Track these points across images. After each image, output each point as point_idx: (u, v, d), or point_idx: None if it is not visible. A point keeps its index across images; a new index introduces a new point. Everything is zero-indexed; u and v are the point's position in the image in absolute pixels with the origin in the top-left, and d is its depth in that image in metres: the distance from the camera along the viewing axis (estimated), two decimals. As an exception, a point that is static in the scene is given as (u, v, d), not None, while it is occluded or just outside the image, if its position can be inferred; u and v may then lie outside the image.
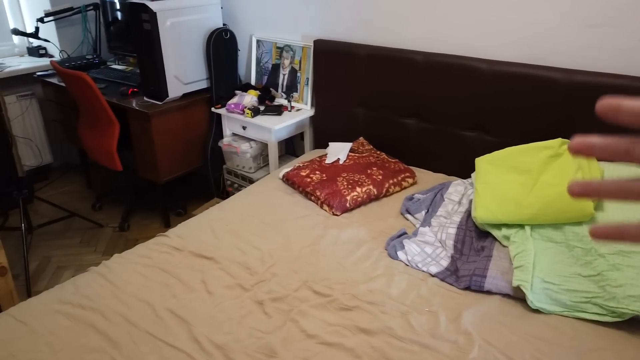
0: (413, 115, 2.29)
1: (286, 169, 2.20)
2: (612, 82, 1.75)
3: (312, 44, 2.52)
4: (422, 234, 1.74)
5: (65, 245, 2.70)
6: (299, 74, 2.67)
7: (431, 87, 2.17)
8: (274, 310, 1.40)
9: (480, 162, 1.82)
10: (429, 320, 1.37)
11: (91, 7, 3.22)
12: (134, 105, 2.57)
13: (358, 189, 1.98)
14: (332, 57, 2.45)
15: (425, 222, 1.81)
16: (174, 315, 1.37)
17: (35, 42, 3.31)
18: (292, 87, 2.72)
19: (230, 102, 2.63)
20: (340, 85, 2.47)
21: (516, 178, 1.66)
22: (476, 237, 1.68)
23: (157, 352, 1.25)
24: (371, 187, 2.01)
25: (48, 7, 3.14)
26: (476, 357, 1.23)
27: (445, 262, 1.60)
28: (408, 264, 1.61)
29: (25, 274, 2.35)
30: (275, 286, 1.50)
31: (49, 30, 3.24)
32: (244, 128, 2.63)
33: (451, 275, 1.54)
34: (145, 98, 2.66)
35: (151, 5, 2.39)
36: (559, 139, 1.66)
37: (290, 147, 2.94)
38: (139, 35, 2.51)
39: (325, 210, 1.94)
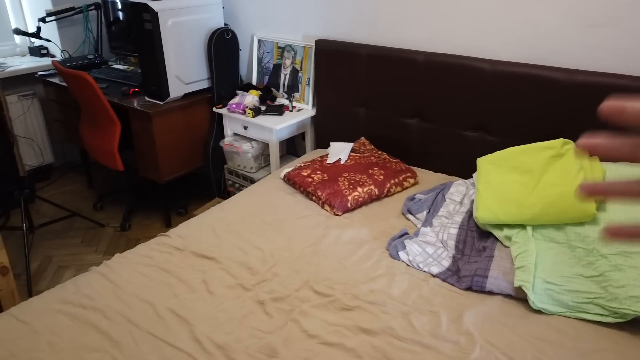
0: (414, 115, 2.29)
1: (287, 169, 2.20)
2: (614, 82, 1.75)
3: (314, 44, 2.52)
4: (424, 234, 1.74)
5: (66, 245, 2.70)
6: (300, 74, 2.67)
7: (433, 87, 2.17)
8: (275, 310, 1.40)
9: (482, 162, 1.81)
10: (430, 320, 1.36)
11: (92, 7, 3.23)
12: (135, 105, 2.57)
13: (359, 189, 1.98)
14: (333, 57, 2.45)
15: (427, 222, 1.81)
16: (175, 315, 1.37)
17: (36, 42, 3.31)
18: (293, 87, 2.72)
19: (231, 102, 2.63)
20: (341, 85, 2.47)
21: (518, 178, 1.66)
22: (478, 237, 1.68)
23: (158, 352, 1.25)
24: (372, 187, 2.01)
25: (50, 7, 3.14)
26: (477, 358, 1.23)
27: (446, 263, 1.60)
28: (409, 264, 1.61)
29: (27, 274, 2.36)
30: (276, 286, 1.50)
31: (50, 30, 3.25)
32: (245, 128, 2.63)
33: (452, 275, 1.54)
34: (146, 98, 2.66)
35: (153, 5, 2.39)
36: (561, 139, 1.65)
37: (292, 147, 2.94)
38: (140, 35, 2.51)
39: (327, 210, 1.94)
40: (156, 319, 1.36)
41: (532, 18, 1.94)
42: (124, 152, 2.62)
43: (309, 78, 2.63)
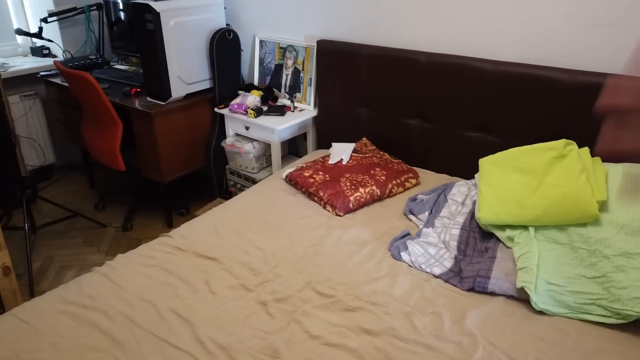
0: (416, 116, 2.29)
1: (289, 169, 2.20)
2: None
3: (315, 44, 2.52)
4: (426, 235, 1.74)
5: (68, 245, 2.70)
6: (302, 74, 2.67)
7: (434, 87, 2.17)
8: (278, 311, 1.40)
9: (484, 162, 1.81)
10: (432, 321, 1.36)
11: (94, 7, 3.23)
12: (137, 105, 2.58)
13: (361, 190, 1.98)
14: (335, 58, 2.45)
15: (429, 223, 1.81)
16: (177, 315, 1.37)
17: (38, 42, 3.32)
18: (295, 88, 2.72)
19: (233, 102, 2.63)
20: (343, 85, 2.47)
21: (520, 179, 1.66)
22: (480, 238, 1.68)
23: (161, 353, 1.25)
24: (374, 187, 2.01)
25: (51, 7, 3.14)
26: (480, 359, 1.23)
27: (448, 263, 1.60)
28: (411, 265, 1.61)
29: (29, 274, 2.36)
30: (278, 287, 1.50)
31: (52, 31, 3.25)
32: (247, 128, 2.63)
33: (455, 276, 1.54)
34: (148, 98, 2.67)
35: (155, 5, 2.39)
36: (563, 140, 1.65)
37: (293, 147, 2.94)
38: (142, 35, 2.51)
39: (329, 211, 1.94)
40: (158, 319, 1.36)
41: (534, 18, 1.94)
42: (126, 152, 2.62)
43: (310, 78, 2.63)
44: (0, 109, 2.34)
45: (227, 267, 1.59)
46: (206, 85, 2.77)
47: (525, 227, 1.58)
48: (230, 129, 2.75)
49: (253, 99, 2.62)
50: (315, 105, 2.66)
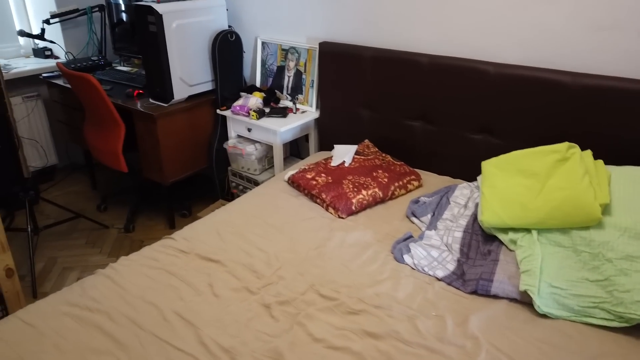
0: (418, 118, 2.29)
1: (292, 171, 2.20)
2: (619, 85, 1.75)
3: (317, 46, 2.52)
4: (428, 237, 1.74)
5: (70, 246, 2.71)
6: (304, 76, 2.67)
7: (437, 89, 2.17)
8: (281, 314, 1.40)
9: (487, 165, 1.81)
10: (435, 324, 1.37)
11: (97, 9, 3.23)
12: (139, 107, 2.58)
13: (364, 192, 1.98)
14: (337, 59, 2.45)
15: (431, 226, 1.81)
16: (181, 318, 1.38)
17: (40, 44, 3.32)
18: (297, 89, 2.72)
19: (235, 104, 2.63)
20: (345, 87, 2.47)
21: (523, 182, 1.66)
22: (482, 240, 1.68)
23: (164, 355, 1.25)
24: (377, 190, 2.01)
25: (54, 9, 3.15)
26: (483, 362, 1.23)
27: (451, 266, 1.60)
28: (414, 267, 1.61)
29: (32, 275, 2.36)
30: (282, 289, 1.50)
31: (54, 32, 3.26)
32: (249, 130, 2.63)
33: (458, 279, 1.54)
34: (150, 100, 2.67)
35: (157, 7, 2.39)
36: (566, 143, 1.65)
37: (295, 149, 2.94)
38: (144, 37, 2.52)
39: (331, 213, 1.94)
40: (162, 321, 1.36)
41: (537, 20, 1.94)
42: (128, 153, 2.63)
43: (312, 80, 2.63)
44: (2, 110, 2.34)
45: (230, 270, 1.59)
46: (208, 87, 2.78)
47: (528, 230, 1.59)
48: (233, 131, 2.75)
49: (255, 100, 2.63)
50: (317, 107, 2.67)
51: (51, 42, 3.23)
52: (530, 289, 1.39)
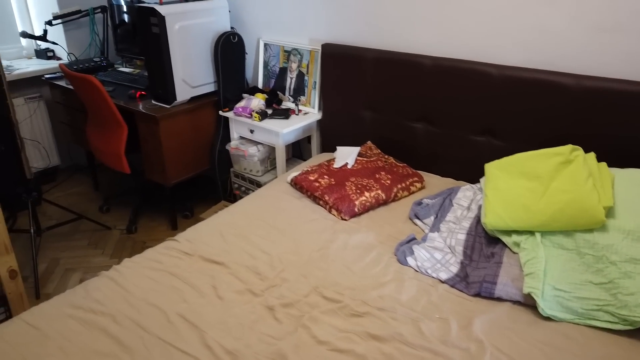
0: (421, 119, 2.29)
1: (294, 173, 2.20)
2: (622, 87, 1.75)
3: (320, 48, 2.53)
4: (431, 239, 1.74)
5: (73, 247, 2.71)
6: (306, 78, 2.67)
7: (439, 91, 2.17)
8: (285, 316, 1.40)
9: (490, 167, 1.81)
10: (439, 327, 1.37)
11: (99, 10, 3.24)
12: (142, 108, 2.58)
13: (366, 194, 1.98)
14: (339, 61, 2.45)
15: (434, 228, 1.81)
16: (185, 320, 1.38)
17: (43, 45, 3.33)
18: (299, 91, 2.73)
19: (237, 105, 2.64)
20: (347, 88, 2.47)
21: (526, 184, 1.66)
22: (486, 243, 1.68)
23: (169, 358, 1.25)
24: (379, 191, 2.01)
25: (56, 10, 3.15)
26: (488, 365, 1.23)
27: (454, 268, 1.60)
28: (417, 269, 1.61)
29: (34, 276, 2.37)
30: (285, 291, 1.50)
31: (57, 33, 3.26)
32: (252, 131, 2.63)
33: (461, 281, 1.54)
34: (153, 101, 2.67)
35: (160, 9, 2.39)
36: (570, 146, 1.65)
37: (297, 150, 2.95)
38: (147, 38, 2.52)
39: (334, 215, 1.95)
40: (166, 324, 1.36)
41: (539, 23, 1.94)
42: (130, 155, 2.63)
43: (315, 81, 2.63)
44: (5, 111, 2.34)
45: (233, 272, 1.59)
46: (211, 88, 2.78)
47: (531, 233, 1.59)
48: (235, 132, 2.75)
49: (257, 102, 2.63)
50: (319, 109, 2.67)
51: (53, 43, 3.24)
52: (534, 292, 1.39)
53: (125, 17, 3.15)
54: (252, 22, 2.89)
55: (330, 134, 2.65)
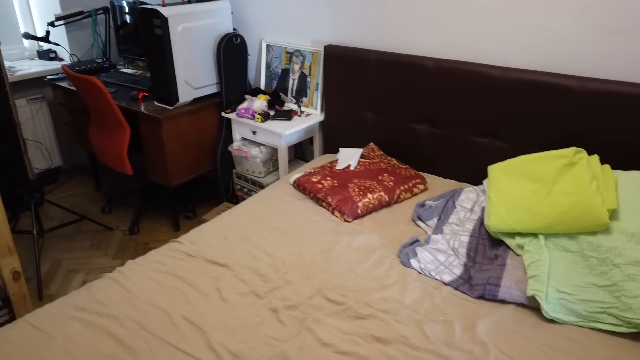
0: (424, 121, 2.29)
1: (297, 174, 2.21)
2: (626, 89, 1.75)
3: (322, 49, 2.53)
4: (435, 241, 1.74)
5: (75, 249, 2.71)
6: (308, 79, 2.68)
7: (442, 93, 2.17)
8: (289, 318, 1.41)
9: (493, 169, 1.81)
10: (443, 329, 1.37)
11: (101, 11, 3.24)
12: (144, 109, 2.59)
13: (369, 196, 1.98)
14: (342, 62, 2.45)
15: (437, 230, 1.81)
16: (189, 322, 1.38)
17: (45, 46, 3.33)
18: (301, 92, 2.73)
19: (240, 106, 2.64)
20: (350, 90, 2.47)
21: (530, 186, 1.66)
22: (489, 245, 1.68)
23: (173, 360, 1.26)
24: (382, 193, 2.01)
25: (58, 11, 3.15)
26: (492, 368, 1.23)
27: (458, 271, 1.60)
28: (421, 271, 1.61)
29: (37, 278, 2.37)
30: (289, 293, 1.50)
31: (59, 34, 3.26)
32: (254, 133, 2.63)
33: (464, 283, 1.54)
34: (155, 102, 2.68)
35: (163, 10, 2.40)
36: (573, 148, 1.65)
37: (300, 151, 2.95)
38: (150, 40, 2.52)
39: (337, 217, 1.95)
40: (170, 326, 1.37)
41: (543, 25, 1.94)
42: (133, 156, 2.63)
43: (317, 83, 2.64)
44: (7, 112, 2.35)
45: (237, 274, 1.59)
46: (213, 89, 2.78)
47: (535, 235, 1.59)
48: (237, 134, 2.75)
49: (260, 103, 2.63)
50: (322, 110, 2.67)
51: (56, 44, 3.24)
52: (538, 294, 1.39)
53: (127, 18, 3.15)
54: (254, 23, 2.89)
55: (333, 135, 2.65)
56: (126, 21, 3.17)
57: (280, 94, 2.79)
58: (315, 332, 1.35)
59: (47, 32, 3.12)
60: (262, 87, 2.90)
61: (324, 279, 1.57)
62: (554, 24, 1.92)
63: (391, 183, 2.07)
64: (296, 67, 2.72)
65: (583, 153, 1.64)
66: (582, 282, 1.42)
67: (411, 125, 2.33)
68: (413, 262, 1.64)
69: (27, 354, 1.27)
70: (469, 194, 1.95)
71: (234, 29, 2.81)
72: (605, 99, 1.79)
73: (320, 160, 2.49)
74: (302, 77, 2.70)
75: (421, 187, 2.13)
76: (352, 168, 2.19)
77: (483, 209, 1.83)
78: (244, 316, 1.41)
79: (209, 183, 3.18)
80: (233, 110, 2.69)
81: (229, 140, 2.82)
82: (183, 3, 2.58)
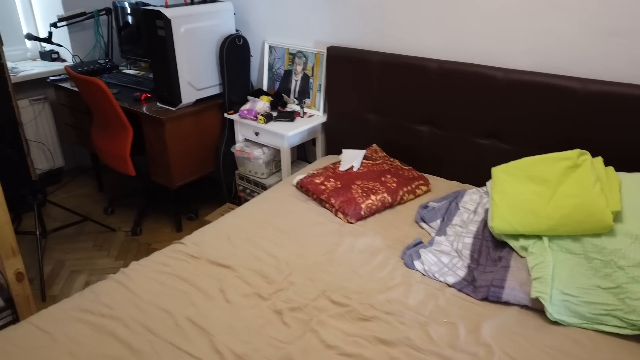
0: (426, 122, 2.29)
1: (300, 175, 2.21)
2: (630, 91, 1.75)
3: (325, 51, 2.53)
4: (438, 243, 1.74)
5: (78, 249, 2.71)
6: (311, 80, 2.68)
7: (445, 94, 2.17)
8: (293, 320, 1.41)
9: (497, 171, 1.81)
10: (447, 331, 1.37)
11: (103, 12, 3.24)
12: (147, 110, 2.59)
13: (373, 197, 1.98)
14: (345, 64, 2.45)
15: (441, 231, 1.81)
16: (193, 324, 1.38)
17: (47, 47, 3.33)
18: (304, 93, 2.73)
19: (243, 108, 2.64)
20: (353, 91, 2.47)
21: (534, 188, 1.66)
22: (493, 247, 1.68)
23: (178, 362, 1.26)
24: (385, 194, 2.01)
25: (61, 12, 3.16)
26: (496, 370, 1.23)
27: (462, 272, 1.60)
28: (425, 273, 1.61)
29: (40, 279, 2.37)
30: (293, 295, 1.50)
31: (61, 35, 3.27)
32: (257, 134, 2.64)
33: (468, 285, 1.54)
34: (158, 103, 2.68)
35: (166, 12, 2.40)
36: (577, 150, 1.65)
37: (302, 152, 2.95)
38: (153, 41, 2.52)
39: (340, 218, 1.95)
40: (175, 328, 1.37)
41: (546, 27, 1.94)
42: (135, 157, 2.63)
43: (320, 84, 2.64)
44: (10, 113, 2.35)
45: (241, 275, 1.60)
46: (216, 90, 2.78)
47: (539, 237, 1.59)
48: (240, 135, 2.76)
49: (262, 104, 2.63)
50: (324, 111, 2.67)
51: (58, 45, 3.25)
52: (542, 296, 1.39)
53: (130, 19, 3.15)
54: (257, 24, 2.89)
55: (336, 136, 2.65)
56: (128, 22, 3.17)
57: (283, 95, 2.79)
58: (320, 333, 1.35)
59: (50, 33, 3.13)
60: (265, 88, 2.90)
61: (327, 281, 1.58)
62: (556, 26, 1.92)
63: (394, 184, 2.07)
64: (299, 68, 2.72)
65: (587, 155, 1.64)
66: (586, 284, 1.42)
67: (414, 127, 2.33)
68: (417, 263, 1.64)
69: (32, 355, 1.27)
70: (472, 196, 1.95)
71: (237, 30, 2.81)
72: (608, 101, 1.79)
73: (323, 161, 2.50)
74: (305, 79, 2.70)
75: (424, 188, 2.13)
76: (355, 169, 2.19)
77: (486, 211, 1.83)
78: (248, 318, 1.41)
79: (212, 184, 3.19)
80: (236, 112, 2.69)
81: (232, 141, 2.82)
82: (186, 4, 2.58)
